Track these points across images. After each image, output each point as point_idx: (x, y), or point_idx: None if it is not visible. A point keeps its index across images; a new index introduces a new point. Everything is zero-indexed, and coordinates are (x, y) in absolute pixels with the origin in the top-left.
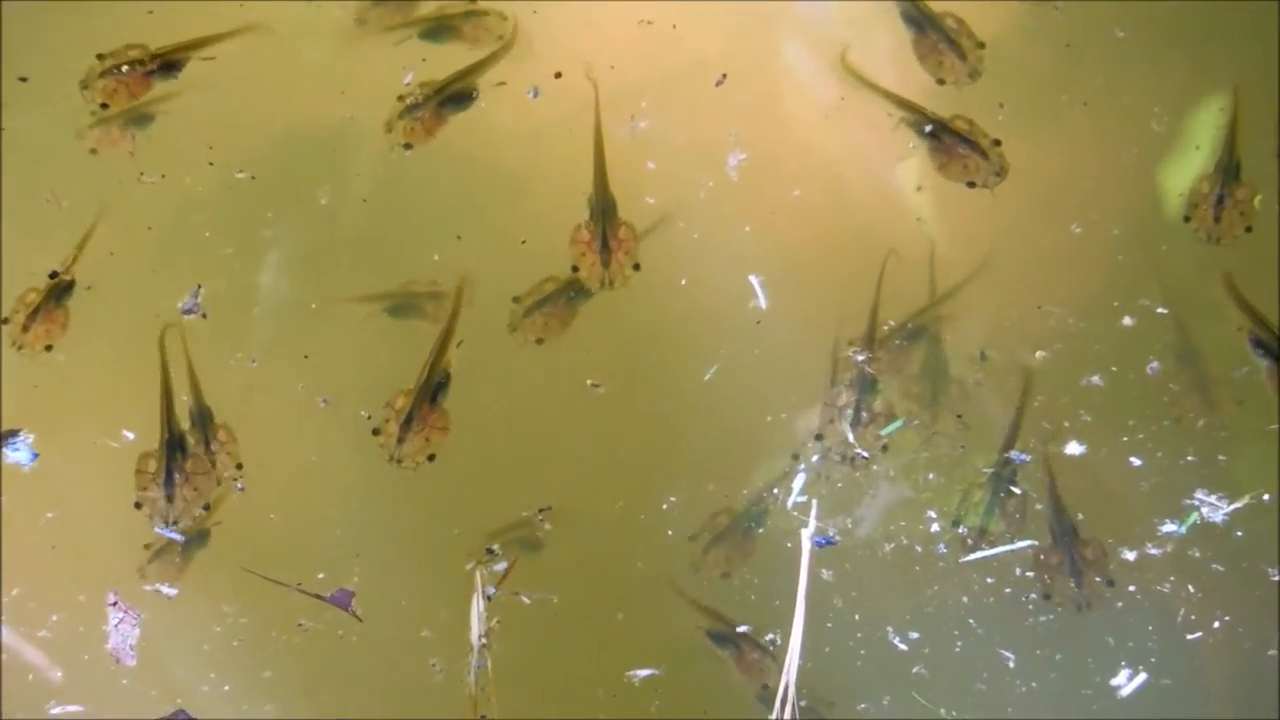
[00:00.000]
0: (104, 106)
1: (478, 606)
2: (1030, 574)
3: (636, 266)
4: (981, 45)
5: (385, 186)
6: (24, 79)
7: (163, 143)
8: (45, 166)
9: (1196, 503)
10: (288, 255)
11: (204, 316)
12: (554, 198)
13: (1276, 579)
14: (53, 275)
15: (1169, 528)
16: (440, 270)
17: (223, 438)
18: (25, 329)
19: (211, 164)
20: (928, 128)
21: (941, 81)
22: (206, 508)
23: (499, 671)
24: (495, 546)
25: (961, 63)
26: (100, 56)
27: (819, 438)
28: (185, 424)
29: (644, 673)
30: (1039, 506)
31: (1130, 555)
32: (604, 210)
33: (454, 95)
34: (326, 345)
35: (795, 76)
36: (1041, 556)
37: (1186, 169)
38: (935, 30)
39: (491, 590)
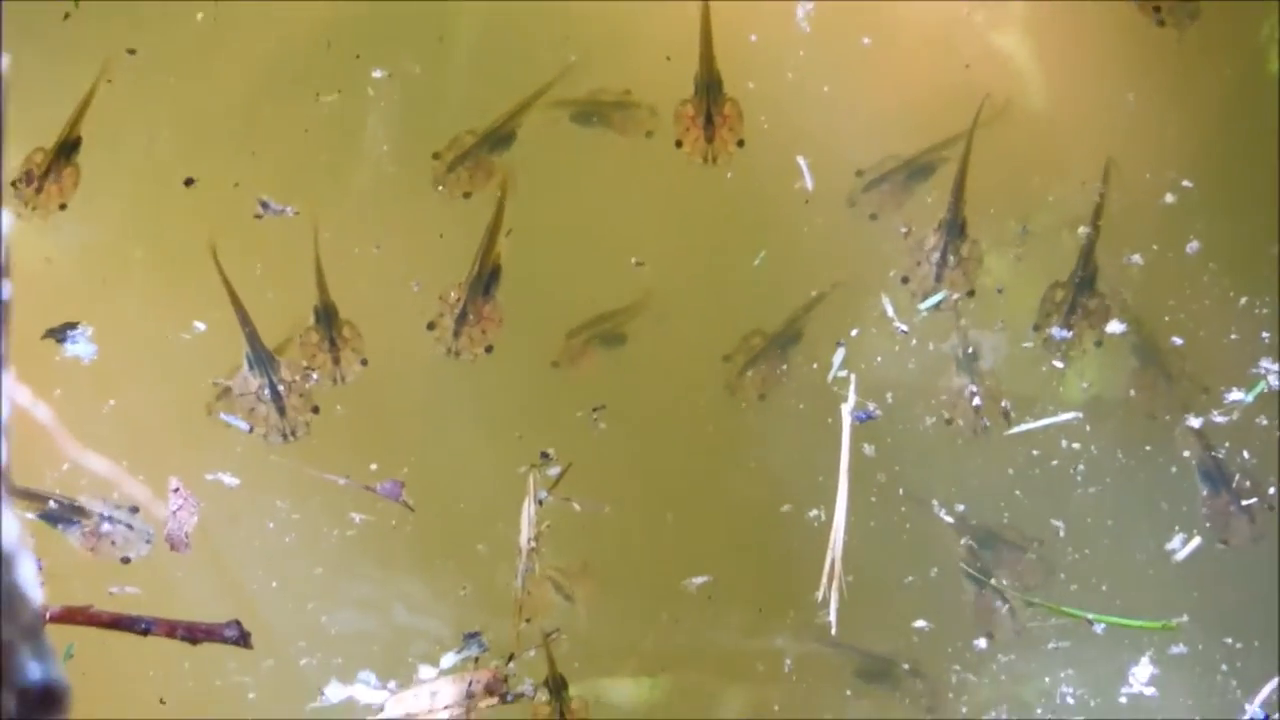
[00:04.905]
0: None
1: (529, 511)
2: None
3: (741, 143)
4: None
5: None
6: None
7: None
8: None
9: (1263, 371)
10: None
11: (257, 217)
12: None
13: None
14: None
15: (1235, 396)
16: None
17: (347, 334)
18: (39, 189)
19: None
20: None
21: (1162, 23)
22: (315, 410)
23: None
24: (551, 451)
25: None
26: None
27: (905, 280)
28: (310, 320)
29: (699, 580)
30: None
31: (1195, 423)
32: (709, 86)
33: None
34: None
35: None
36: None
37: None
38: None
39: (544, 495)
